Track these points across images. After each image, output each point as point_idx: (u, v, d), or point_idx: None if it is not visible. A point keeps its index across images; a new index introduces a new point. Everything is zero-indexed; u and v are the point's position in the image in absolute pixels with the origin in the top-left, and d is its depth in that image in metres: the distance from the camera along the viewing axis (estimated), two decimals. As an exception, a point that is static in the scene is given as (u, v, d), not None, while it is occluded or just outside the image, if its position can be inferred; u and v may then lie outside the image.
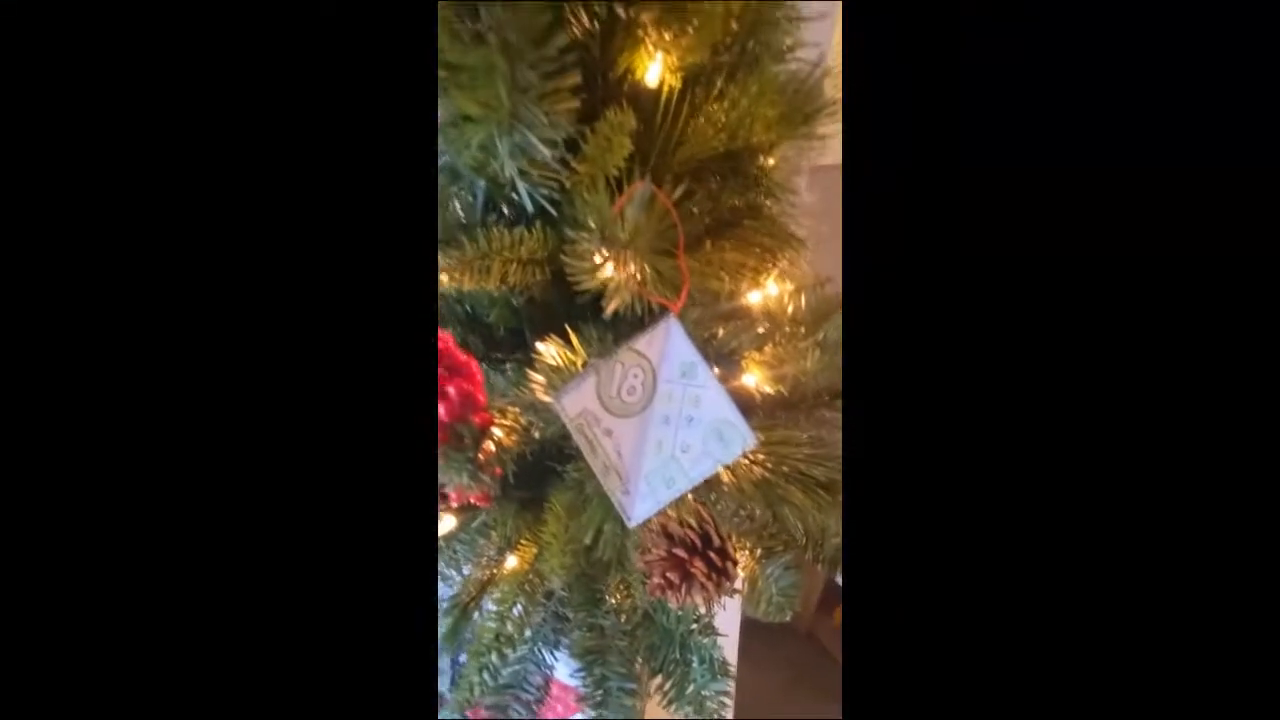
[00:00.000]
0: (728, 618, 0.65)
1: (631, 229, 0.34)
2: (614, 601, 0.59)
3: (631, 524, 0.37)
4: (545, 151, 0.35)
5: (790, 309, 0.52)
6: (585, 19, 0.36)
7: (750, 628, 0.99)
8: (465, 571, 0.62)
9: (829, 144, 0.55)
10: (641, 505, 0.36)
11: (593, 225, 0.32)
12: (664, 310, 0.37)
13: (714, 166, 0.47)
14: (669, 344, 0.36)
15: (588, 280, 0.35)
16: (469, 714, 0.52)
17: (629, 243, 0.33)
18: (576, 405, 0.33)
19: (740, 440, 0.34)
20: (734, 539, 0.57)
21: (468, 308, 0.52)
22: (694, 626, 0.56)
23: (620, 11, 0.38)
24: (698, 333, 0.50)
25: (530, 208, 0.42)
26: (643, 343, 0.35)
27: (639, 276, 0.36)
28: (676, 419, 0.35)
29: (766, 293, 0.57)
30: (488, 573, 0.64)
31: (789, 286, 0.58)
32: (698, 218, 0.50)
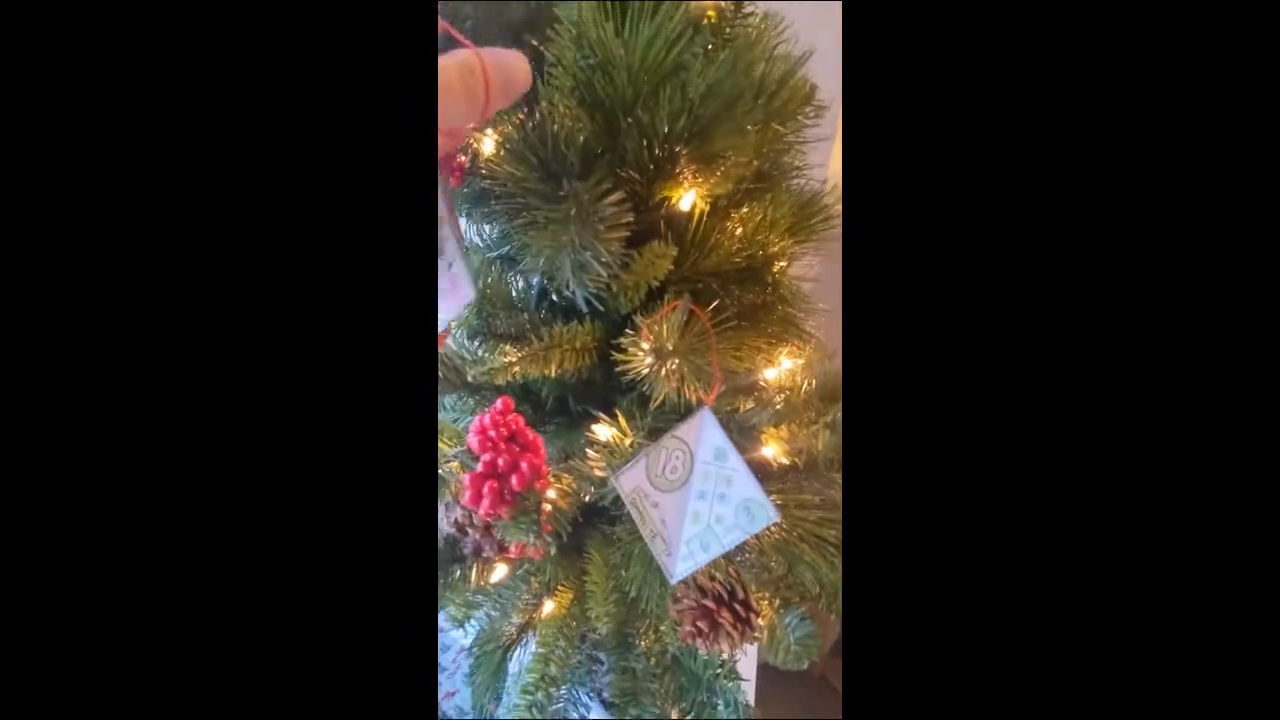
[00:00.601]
0: (746, 663, 0.71)
1: (674, 339, 0.43)
2: (644, 645, 0.66)
3: (673, 581, 0.44)
4: (600, 270, 0.45)
5: (804, 387, 0.60)
6: (639, 169, 0.46)
7: (765, 670, 1.03)
8: (511, 617, 0.68)
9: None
10: (682, 565, 0.44)
11: (643, 342, 0.41)
12: (699, 402, 0.45)
13: (735, 275, 0.56)
14: (703, 431, 0.44)
15: (641, 379, 0.43)
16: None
17: (670, 353, 0.42)
18: (631, 483, 0.41)
19: (765, 517, 0.41)
20: (755, 590, 0.64)
21: (525, 387, 0.60)
22: (719, 671, 0.62)
23: (664, 160, 0.47)
24: (720, 406, 0.58)
25: (584, 307, 0.51)
26: (683, 430, 0.43)
27: (679, 374, 0.45)
28: (711, 495, 0.43)
29: (781, 367, 0.65)
30: (527, 617, 0.71)
31: (800, 362, 0.66)
32: (722, 311, 0.59)
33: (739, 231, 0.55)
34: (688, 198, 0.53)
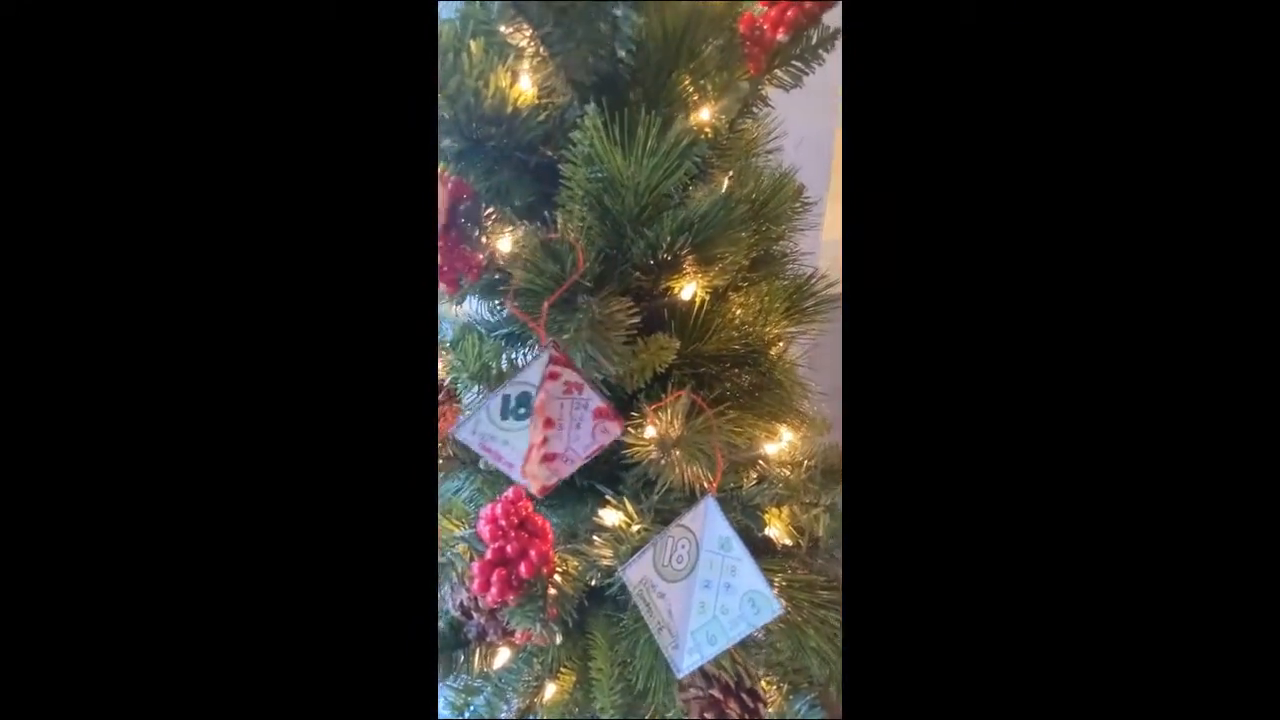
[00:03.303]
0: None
1: (674, 429, 0.45)
2: (651, 732, 0.64)
3: (680, 674, 0.44)
4: (610, 365, 0.47)
5: (804, 464, 0.61)
6: (644, 270, 0.49)
7: None
8: (511, 701, 0.66)
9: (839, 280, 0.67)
10: (689, 659, 0.44)
11: (648, 429, 0.43)
12: (703, 490, 0.46)
13: (734, 358, 0.59)
14: (708, 519, 0.45)
15: (648, 467, 0.45)
16: None
17: (674, 443, 0.43)
18: (638, 574, 0.42)
19: (770, 610, 0.42)
20: (763, 675, 0.63)
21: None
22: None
23: (667, 257, 0.51)
24: (724, 483, 0.59)
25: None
26: (688, 519, 0.45)
27: (683, 461, 0.47)
28: (717, 584, 0.44)
29: (781, 442, 0.67)
30: (529, 701, 0.69)
31: (800, 435, 0.68)
32: (724, 391, 0.62)
33: (737, 318, 0.58)
34: (689, 288, 0.57)
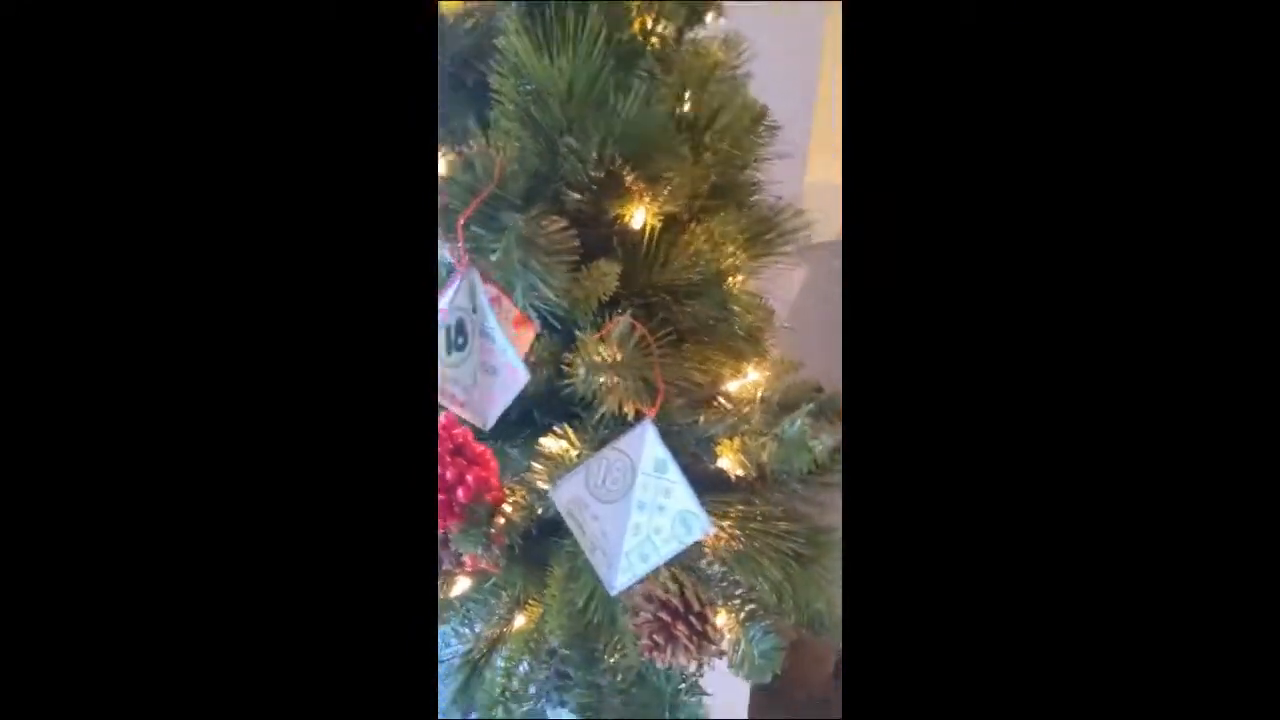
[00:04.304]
0: (733, 685, 0.70)
1: (612, 355, 0.44)
2: (610, 661, 0.65)
3: (613, 593, 0.44)
4: (549, 292, 0.46)
5: (758, 398, 0.60)
6: (579, 189, 0.47)
7: (767, 698, 1.02)
8: (477, 629, 0.68)
9: (823, 225, 0.65)
10: (622, 577, 0.44)
11: (582, 357, 0.42)
12: (641, 414, 0.46)
13: (689, 290, 0.57)
14: (645, 443, 0.45)
15: (583, 391, 0.44)
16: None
17: (610, 366, 0.42)
18: (569, 494, 0.42)
19: (700, 528, 0.42)
20: (719, 605, 0.64)
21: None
22: (682, 686, 0.62)
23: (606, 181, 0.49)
24: (681, 419, 0.58)
25: (538, 323, 0.52)
26: (624, 442, 0.44)
27: (622, 388, 0.46)
28: (650, 506, 0.44)
29: (745, 379, 0.65)
30: (498, 631, 0.71)
31: (766, 375, 0.67)
32: (679, 324, 0.60)
33: (691, 247, 0.56)
34: (639, 215, 0.54)
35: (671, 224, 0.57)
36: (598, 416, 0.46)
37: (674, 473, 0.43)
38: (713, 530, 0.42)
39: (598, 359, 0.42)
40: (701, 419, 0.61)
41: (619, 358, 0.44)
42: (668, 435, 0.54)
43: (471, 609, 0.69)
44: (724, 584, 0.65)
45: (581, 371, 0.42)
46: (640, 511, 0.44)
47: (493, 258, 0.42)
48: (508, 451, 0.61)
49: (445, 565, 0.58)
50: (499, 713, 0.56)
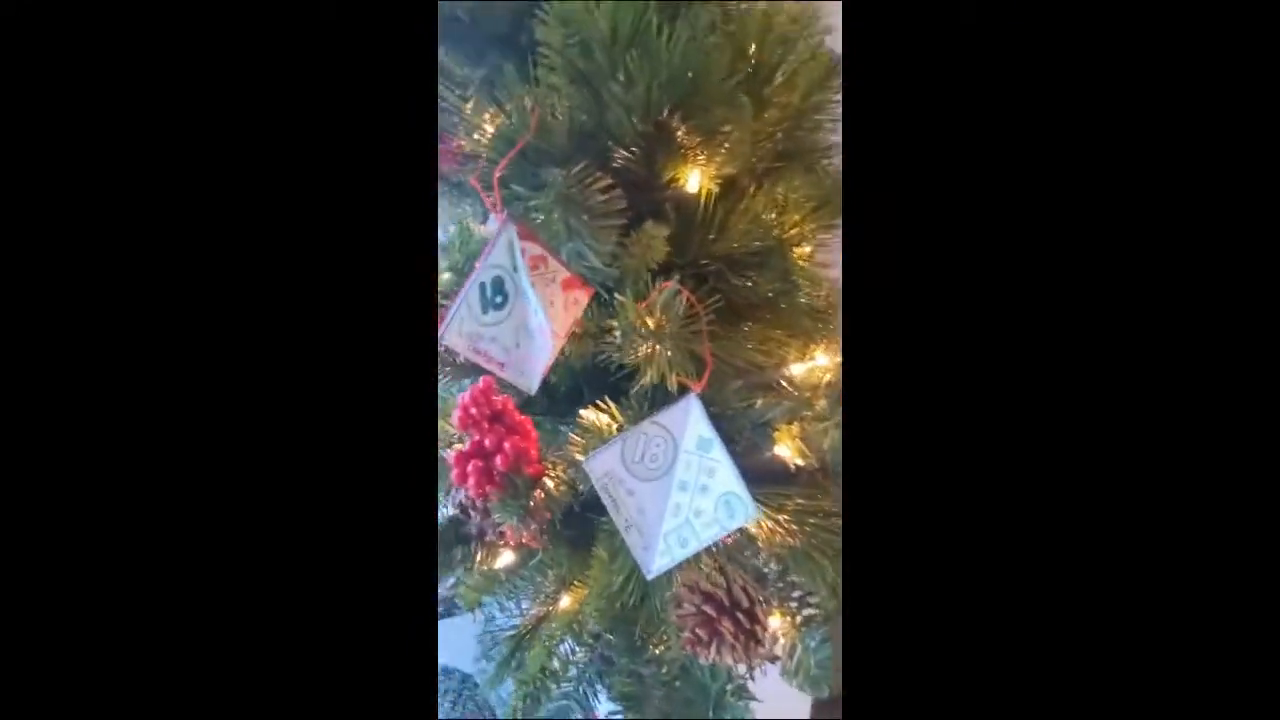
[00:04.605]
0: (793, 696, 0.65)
1: (656, 322, 0.40)
2: (656, 651, 0.63)
3: (649, 576, 0.41)
4: (595, 260, 0.44)
5: (826, 381, 0.55)
6: (627, 145, 0.44)
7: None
8: (524, 606, 0.68)
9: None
10: (659, 560, 0.41)
11: (620, 321, 0.39)
12: (686, 389, 0.42)
13: (750, 260, 0.52)
14: (689, 419, 0.41)
15: (622, 358, 0.42)
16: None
17: (653, 334, 0.39)
18: (603, 467, 0.39)
19: (744, 513, 0.38)
20: (773, 606, 0.59)
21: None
22: (729, 688, 0.58)
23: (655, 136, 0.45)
24: (737, 402, 0.54)
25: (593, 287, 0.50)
26: (665, 417, 0.41)
27: (667, 359, 0.43)
28: (693, 486, 0.40)
29: (814, 363, 0.60)
30: (545, 609, 0.71)
31: (832, 358, 0.61)
32: (738, 298, 0.56)
33: (751, 214, 0.51)
34: (694, 178, 0.51)
35: (730, 189, 0.52)
36: (636, 387, 0.43)
37: (719, 452, 0.39)
38: (757, 515, 0.38)
39: (638, 324, 0.39)
40: (760, 403, 0.56)
41: (664, 325, 0.40)
42: (721, 420, 0.50)
43: (519, 585, 0.69)
44: (780, 584, 0.60)
45: (618, 336, 0.39)
46: (681, 491, 0.40)
47: (535, 217, 0.40)
48: (559, 429, 0.60)
49: (487, 536, 0.58)
50: (532, 689, 0.54)
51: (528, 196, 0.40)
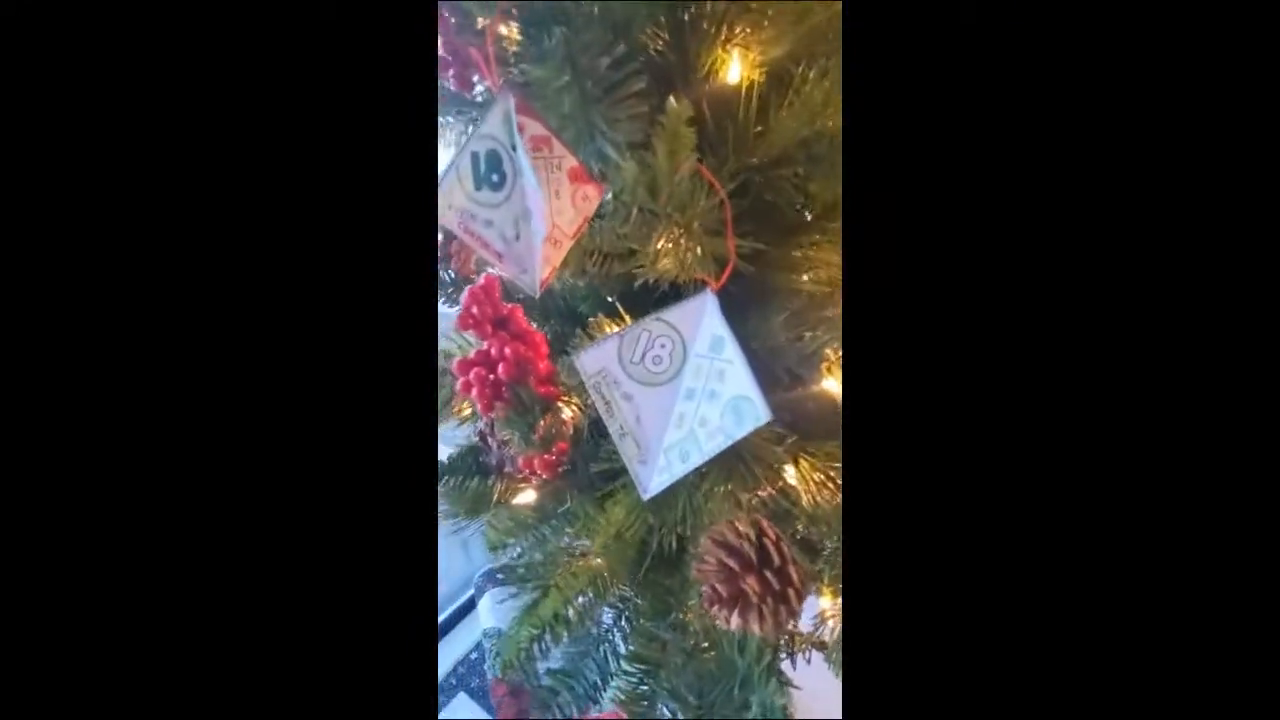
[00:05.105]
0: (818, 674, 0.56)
1: (670, 200, 0.35)
2: (682, 618, 0.56)
3: (645, 495, 0.35)
4: (615, 155, 0.39)
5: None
6: (652, 32, 0.39)
7: None
8: (545, 552, 0.65)
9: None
10: (658, 478, 0.35)
11: (626, 193, 0.34)
12: (702, 285, 0.36)
13: (797, 158, 0.45)
14: (703, 319, 0.35)
15: (631, 244, 0.36)
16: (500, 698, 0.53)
17: (660, 208, 0.34)
18: (595, 364, 0.34)
19: (754, 417, 0.31)
20: (823, 584, 0.50)
21: (563, 299, 0.57)
22: (760, 666, 0.50)
23: (685, 15, 0.40)
24: (785, 334, 0.47)
25: (611, 202, 0.45)
26: (674, 314, 0.35)
27: (685, 250, 0.37)
28: (700, 393, 0.34)
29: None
30: (571, 562, 0.67)
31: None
32: (785, 210, 0.48)
33: (802, 106, 0.44)
34: (734, 67, 0.44)
35: (778, 80, 0.45)
36: (640, 283, 0.37)
37: (731, 351, 0.33)
38: (768, 417, 0.31)
39: (638, 198, 0.33)
40: (809, 335, 0.48)
41: (672, 204, 0.35)
42: (761, 356, 0.43)
43: (547, 534, 0.66)
44: (825, 553, 0.51)
45: (617, 208, 0.34)
46: (688, 400, 0.34)
47: (537, 85, 0.36)
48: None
49: (506, 467, 0.55)
50: (537, 631, 0.50)
51: (535, 72, 0.36)
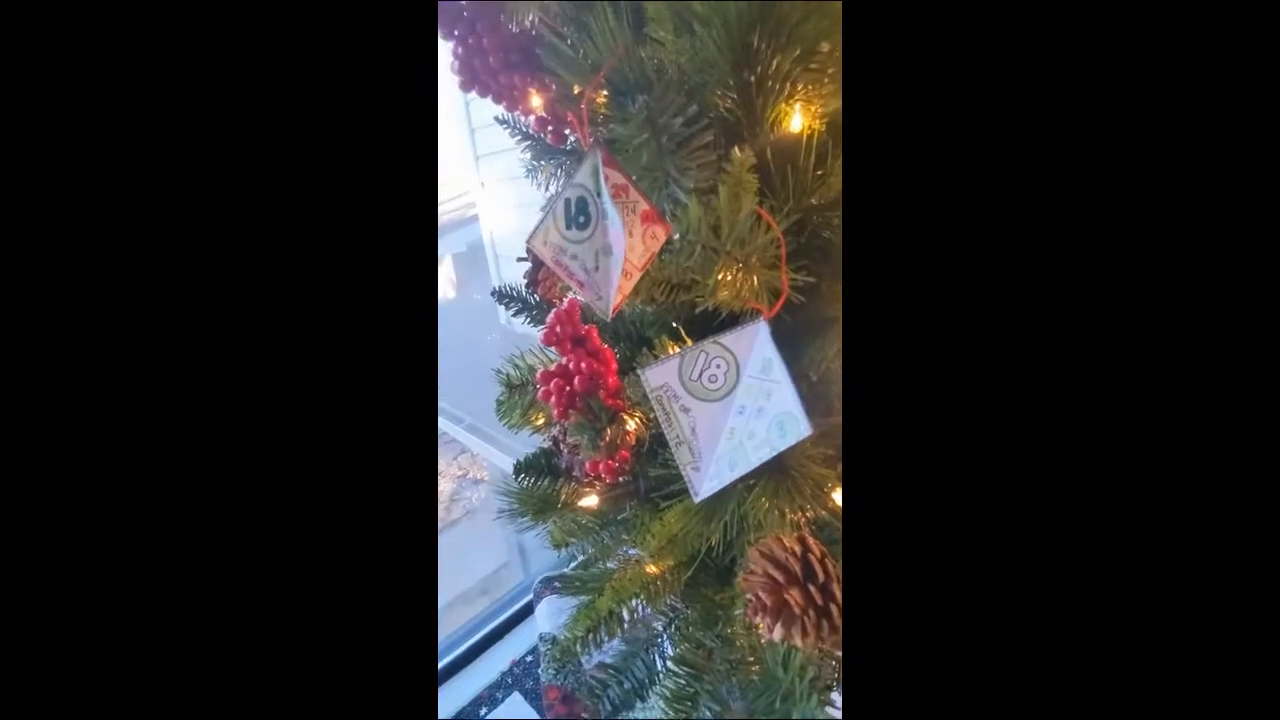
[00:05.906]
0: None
1: (730, 237, 0.40)
2: (728, 631, 0.59)
3: (696, 499, 0.39)
4: (684, 199, 0.44)
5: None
6: (721, 93, 0.45)
7: None
8: (610, 562, 0.69)
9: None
10: (709, 483, 0.39)
11: (693, 231, 0.39)
12: (756, 314, 0.40)
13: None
14: (755, 345, 0.39)
15: (694, 275, 0.42)
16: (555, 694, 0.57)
17: (721, 245, 0.39)
18: (659, 379, 0.39)
19: (797, 431, 0.34)
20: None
21: (633, 324, 0.63)
22: (804, 681, 0.51)
23: (750, 76, 0.45)
24: (838, 362, 0.50)
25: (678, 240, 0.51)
26: (730, 339, 0.40)
27: (742, 282, 0.41)
28: (750, 410, 0.38)
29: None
30: (630, 570, 0.71)
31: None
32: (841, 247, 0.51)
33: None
34: (796, 118, 0.49)
35: (838, 129, 0.49)
36: (700, 309, 0.42)
37: (778, 372, 0.37)
38: (809, 431, 0.34)
39: (702, 234, 0.38)
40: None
41: (733, 237, 0.40)
42: (814, 383, 0.46)
43: (608, 540, 0.70)
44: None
45: (683, 245, 0.39)
46: (739, 415, 0.38)
47: (623, 148, 0.43)
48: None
49: (574, 471, 0.61)
50: (588, 625, 0.55)
51: (616, 129, 0.43)
